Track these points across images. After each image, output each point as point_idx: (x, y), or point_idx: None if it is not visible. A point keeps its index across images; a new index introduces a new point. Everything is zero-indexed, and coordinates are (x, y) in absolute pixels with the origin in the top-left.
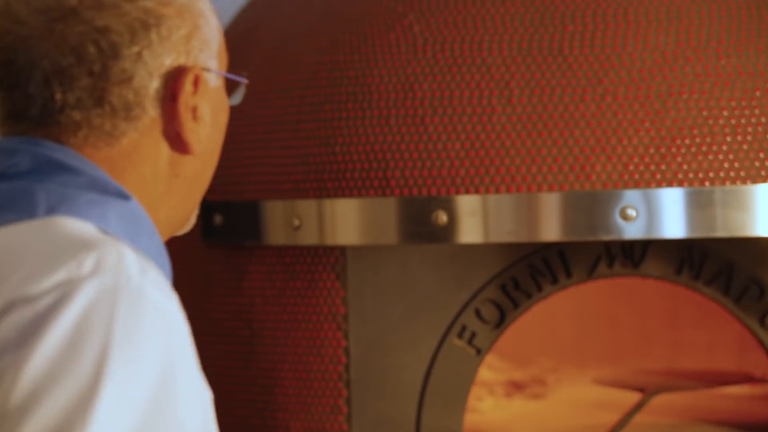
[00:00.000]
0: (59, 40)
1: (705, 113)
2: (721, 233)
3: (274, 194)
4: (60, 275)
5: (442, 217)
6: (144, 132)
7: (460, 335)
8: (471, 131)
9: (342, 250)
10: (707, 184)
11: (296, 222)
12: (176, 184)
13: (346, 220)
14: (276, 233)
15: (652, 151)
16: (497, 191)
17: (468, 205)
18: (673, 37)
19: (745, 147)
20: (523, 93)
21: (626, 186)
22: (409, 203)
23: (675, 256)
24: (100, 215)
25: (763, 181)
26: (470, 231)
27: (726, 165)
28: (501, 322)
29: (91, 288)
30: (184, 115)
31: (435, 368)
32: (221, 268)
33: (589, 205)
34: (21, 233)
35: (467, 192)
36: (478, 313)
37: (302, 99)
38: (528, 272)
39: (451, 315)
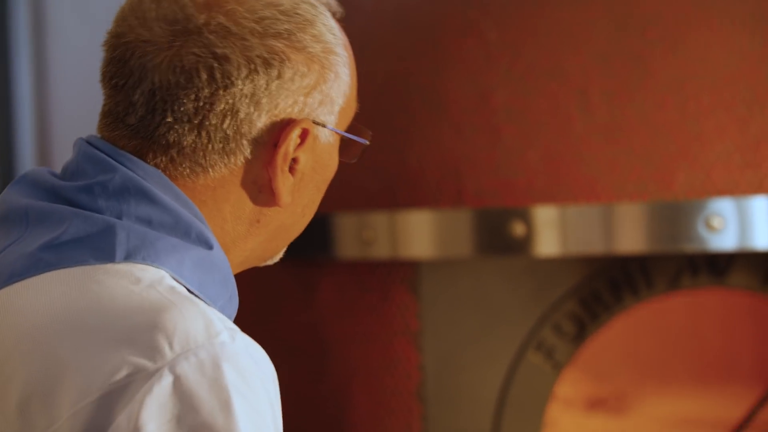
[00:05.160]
0: (174, 56)
1: None
2: None
3: (345, 207)
4: (143, 364)
5: (519, 229)
6: (234, 170)
7: (537, 350)
8: (548, 140)
9: (415, 264)
10: None
11: (368, 235)
12: (256, 229)
13: (420, 233)
14: (347, 247)
15: (737, 158)
16: (576, 202)
17: (545, 216)
18: (759, 40)
19: None
20: (602, 100)
21: (710, 195)
22: (484, 215)
23: (762, 267)
24: (177, 262)
25: None
26: (548, 243)
27: None
28: (579, 336)
29: (184, 367)
30: (281, 164)
31: (511, 384)
32: (291, 283)
33: (672, 215)
34: (97, 287)
35: (545, 203)
36: (556, 327)
37: (374, 108)
38: (608, 284)
39: (528, 329)
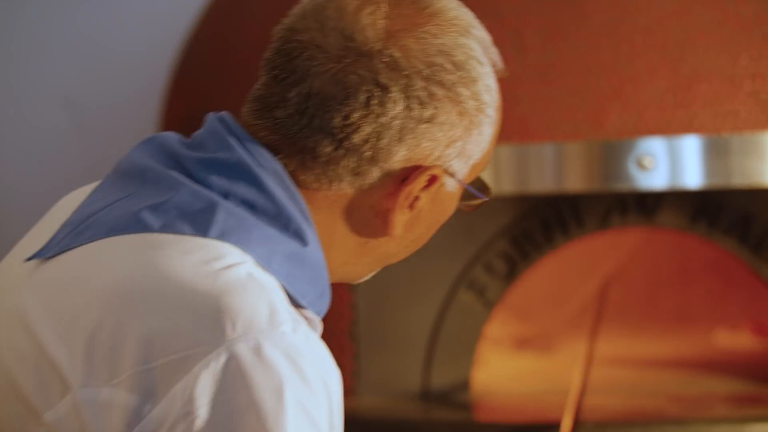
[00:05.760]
0: (339, 71)
1: (723, 59)
2: (738, 182)
3: None
4: (208, 339)
5: None
6: (357, 191)
7: (468, 289)
8: None
9: None
10: (725, 131)
11: None
12: (363, 249)
13: None
14: None
15: (669, 98)
16: (509, 141)
17: None
18: None
19: (763, 94)
20: (535, 40)
21: (642, 135)
22: None
23: (690, 206)
24: (267, 253)
25: None
26: None
27: (744, 112)
28: (510, 275)
29: (241, 349)
30: (402, 199)
31: (443, 322)
32: None
33: (604, 154)
34: (181, 257)
35: None
36: (487, 266)
37: None
38: (539, 224)
39: (460, 268)
